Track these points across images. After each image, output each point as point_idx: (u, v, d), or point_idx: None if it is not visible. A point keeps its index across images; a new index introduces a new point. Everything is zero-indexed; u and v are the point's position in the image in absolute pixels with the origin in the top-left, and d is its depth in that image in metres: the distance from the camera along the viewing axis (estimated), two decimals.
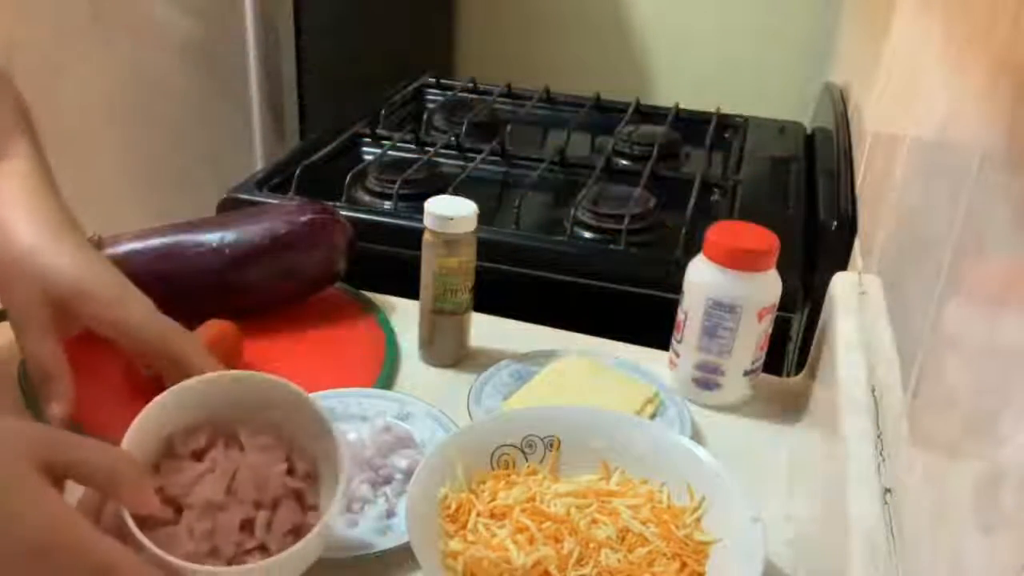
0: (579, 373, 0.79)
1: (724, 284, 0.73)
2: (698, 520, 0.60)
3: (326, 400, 0.71)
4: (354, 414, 0.70)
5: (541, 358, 0.80)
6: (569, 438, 0.65)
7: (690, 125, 1.35)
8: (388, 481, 0.64)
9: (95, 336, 0.79)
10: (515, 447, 0.64)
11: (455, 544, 0.56)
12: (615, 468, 0.64)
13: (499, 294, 0.87)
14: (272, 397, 0.55)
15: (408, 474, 0.64)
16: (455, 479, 0.60)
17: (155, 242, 0.80)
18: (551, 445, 0.64)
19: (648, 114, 1.39)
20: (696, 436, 0.74)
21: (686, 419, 0.74)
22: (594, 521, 0.59)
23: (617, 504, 0.60)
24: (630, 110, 1.38)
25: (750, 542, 0.55)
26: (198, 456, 0.53)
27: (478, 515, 0.58)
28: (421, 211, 0.78)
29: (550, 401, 0.74)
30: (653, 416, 0.75)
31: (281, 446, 0.55)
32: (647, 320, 0.87)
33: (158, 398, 0.53)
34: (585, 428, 0.65)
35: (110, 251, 0.79)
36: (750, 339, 0.75)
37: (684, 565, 0.56)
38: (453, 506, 0.59)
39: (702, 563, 0.57)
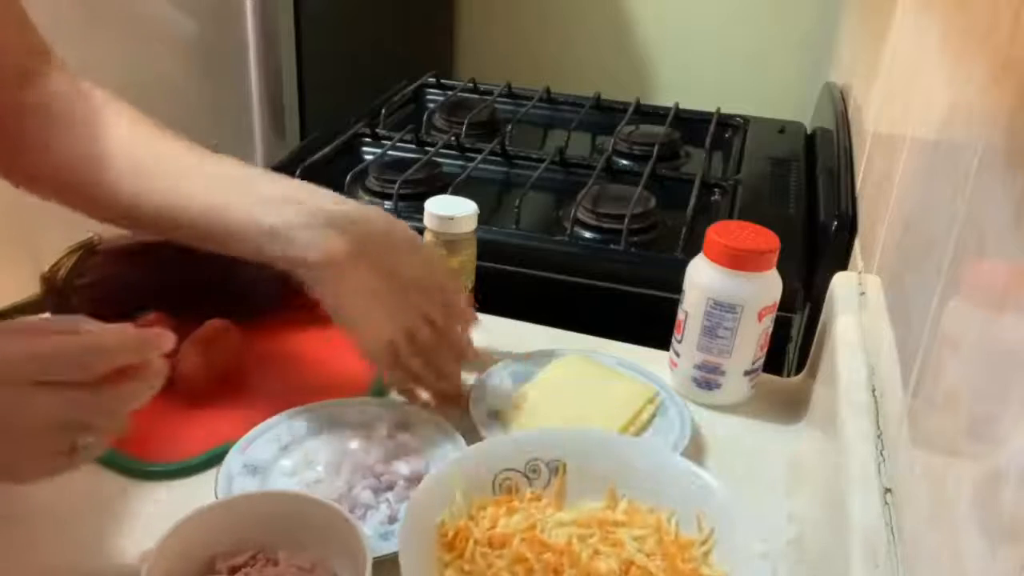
0: (579, 373, 0.78)
1: (724, 284, 0.73)
2: (706, 553, 0.58)
3: (329, 408, 0.71)
4: (356, 422, 0.70)
5: (541, 358, 0.80)
6: (576, 463, 0.63)
7: (690, 125, 1.35)
8: (390, 487, 0.64)
9: None
10: (518, 472, 0.62)
11: (450, 574, 0.55)
12: (623, 495, 0.62)
13: (499, 294, 0.87)
14: (319, 518, 0.55)
15: (410, 480, 0.64)
16: (454, 504, 0.58)
17: (155, 242, 0.80)
18: (556, 470, 0.63)
19: (648, 114, 1.39)
20: (696, 436, 0.73)
21: (686, 419, 0.73)
22: (596, 552, 0.57)
23: (622, 534, 0.58)
24: (630, 110, 1.38)
25: None
26: (233, 572, 0.54)
27: (476, 543, 0.56)
28: (421, 211, 0.78)
29: (551, 402, 0.74)
30: (653, 417, 0.74)
31: (317, 569, 0.55)
32: (647, 320, 0.87)
33: (201, 510, 0.54)
34: (592, 452, 0.63)
35: (109, 253, 0.79)
36: (750, 339, 0.74)
37: None
38: (451, 533, 0.57)
39: None
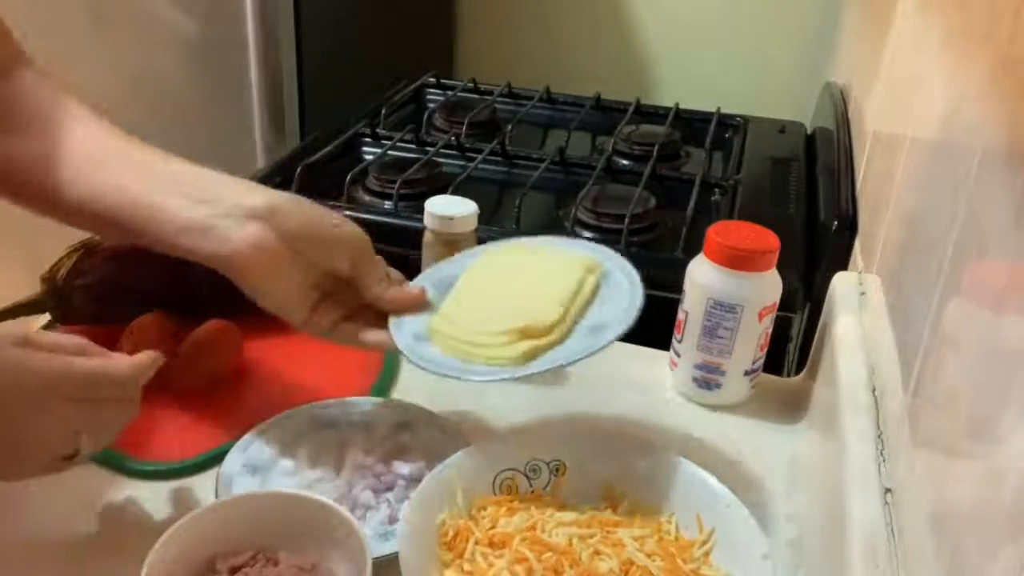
0: (508, 263, 0.71)
1: (725, 284, 0.73)
2: (707, 554, 0.58)
3: (328, 408, 0.71)
4: (356, 422, 0.70)
5: (464, 259, 0.72)
6: (575, 463, 0.63)
7: (690, 125, 1.35)
8: (390, 487, 0.64)
9: (95, 337, 0.80)
10: (519, 471, 0.62)
11: (450, 574, 0.55)
12: (622, 496, 0.62)
13: None
14: (319, 518, 0.55)
15: (410, 480, 0.64)
16: (455, 504, 0.58)
17: None
18: (556, 470, 0.63)
19: (648, 114, 1.39)
20: (696, 436, 0.73)
21: (636, 284, 0.66)
22: (597, 553, 0.57)
23: (622, 535, 0.58)
24: (630, 110, 1.38)
25: None
26: (233, 572, 0.54)
27: (476, 543, 0.56)
28: (421, 211, 0.78)
29: (483, 302, 0.66)
30: (598, 288, 0.67)
31: (317, 569, 0.55)
32: (647, 320, 0.87)
33: (201, 510, 0.54)
34: (593, 453, 0.63)
35: (109, 252, 0.79)
36: (750, 339, 0.74)
37: None
38: (451, 533, 0.57)
39: None
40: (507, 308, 0.64)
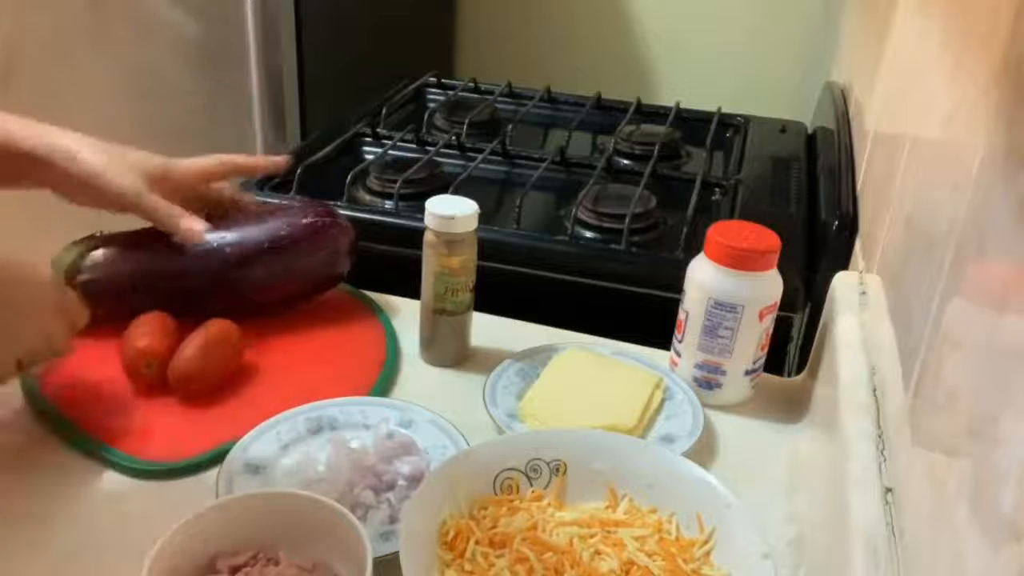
0: (584, 365, 0.79)
1: (725, 284, 0.73)
2: (707, 554, 0.58)
3: (329, 408, 0.71)
4: (357, 422, 0.70)
5: (541, 354, 0.81)
6: (576, 463, 0.63)
7: (691, 124, 1.35)
8: (391, 487, 0.64)
9: (95, 336, 0.80)
10: (519, 471, 0.62)
11: (451, 574, 0.55)
12: (623, 495, 0.62)
13: (500, 294, 0.87)
14: (319, 518, 0.55)
15: (411, 480, 0.64)
16: (455, 504, 0.58)
17: (156, 242, 0.80)
18: (557, 470, 0.63)
19: (649, 113, 1.39)
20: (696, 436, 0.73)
21: (696, 404, 0.75)
22: (597, 552, 0.57)
23: (623, 534, 0.58)
24: (631, 110, 1.38)
25: None
26: (234, 571, 0.54)
27: (477, 543, 0.56)
28: (422, 211, 0.77)
29: (566, 397, 0.74)
30: (663, 401, 0.76)
31: (318, 568, 0.55)
32: (648, 320, 0.87)
33: (201, 510, 0.54)
34: (593, 453, 0.63)
35: (110, 250, 0.79)
36: (751, 339, 0.74)
37: None
38: (452, 533, 0.57)
39: None
40: (589, 406, 0.73)
